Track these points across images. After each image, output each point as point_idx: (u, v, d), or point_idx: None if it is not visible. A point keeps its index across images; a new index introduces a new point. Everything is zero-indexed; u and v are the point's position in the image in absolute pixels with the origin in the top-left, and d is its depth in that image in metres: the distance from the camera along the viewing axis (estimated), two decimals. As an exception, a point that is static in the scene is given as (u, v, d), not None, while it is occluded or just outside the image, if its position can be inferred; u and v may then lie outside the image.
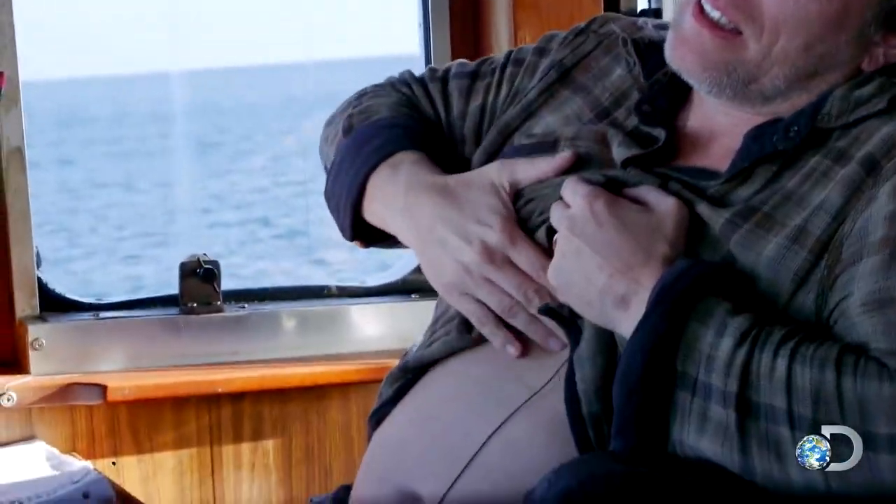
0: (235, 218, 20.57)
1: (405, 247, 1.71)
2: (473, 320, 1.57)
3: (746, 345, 1.32)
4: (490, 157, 1.69)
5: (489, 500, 1.50)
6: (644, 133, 1.59)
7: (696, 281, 1.36)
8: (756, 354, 1.31)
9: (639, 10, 2.68)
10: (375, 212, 1.68)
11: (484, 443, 1.51)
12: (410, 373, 1.64)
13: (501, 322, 1.56)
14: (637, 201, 1.48)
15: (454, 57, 2.65)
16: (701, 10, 1.49)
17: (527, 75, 1.72)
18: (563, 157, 1.59)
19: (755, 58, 1.49)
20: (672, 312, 1.35)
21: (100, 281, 16.76)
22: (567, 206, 1.49)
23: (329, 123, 1.85)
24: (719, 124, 1.56)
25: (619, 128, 1.61)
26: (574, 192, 1.49)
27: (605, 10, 2.62)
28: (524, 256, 1.56)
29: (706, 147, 1.57)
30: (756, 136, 1.49)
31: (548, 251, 1.54)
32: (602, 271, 1.43)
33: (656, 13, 2.65)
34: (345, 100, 1.84)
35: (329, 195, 1.76)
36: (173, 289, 2.56)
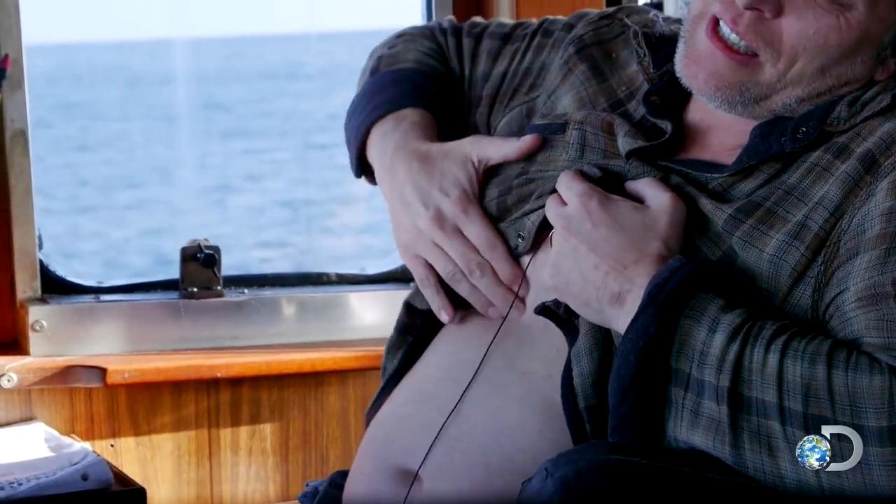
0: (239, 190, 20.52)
1: None
2: (417, 281, 1.65)
3: (738, 340, 1.33)
4: (515, 132, 1.72)
5: (481, 480, 1.52)
6: (650, 124, 1.60)
7: (688, 279, 1.38)
8: (748, 349, 1.32)
9: (641, 1, 2.68)
10: (372, 158, 1.75)
11: (455, 412, 1.55)
12: (411, 333, 1.71)
13: (443, 288, 1.64)
14: (634, 197, 1.50)
15: (455, 7, 2.69)
16: (716, 29, 1.49)
17: (554, 49, 1.75)
18: (525, 141, 1.64)
19: (770, 80, 1.49)
20: (663, 311, 1.36)
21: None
22: (562, 201, 1.50)
23: (371, 55, 1.89)
24: (721, 119, 1.56)
25: (627, 118, 1.62)
26: (569, 188, 1.50)
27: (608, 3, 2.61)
28: (473, 230, 1.62)
29: (708, 140, 1.57)
30: (764, 134, 1.50)
31: (505, 232, 1.61)
32: (598, 270, 1.44)
33: (658, 6, 2.65)
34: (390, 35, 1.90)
35: (346, 128, 1.83)
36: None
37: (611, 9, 1.75)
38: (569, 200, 1.50)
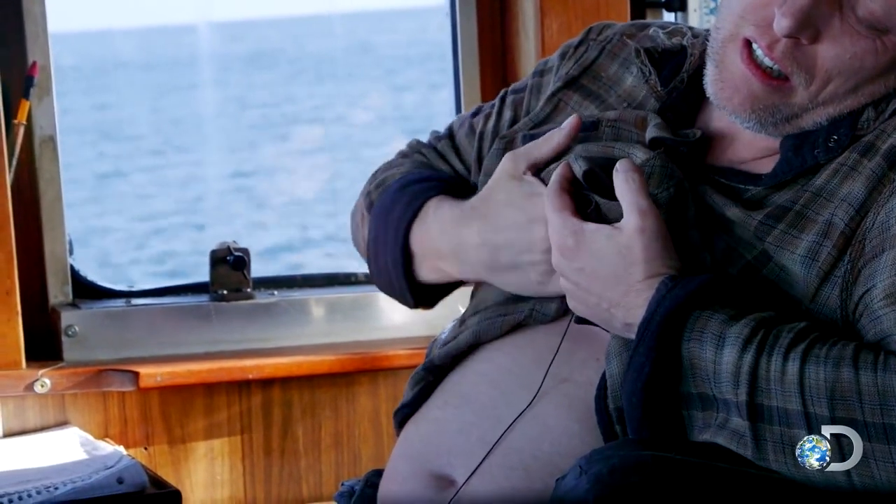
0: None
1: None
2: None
3: (752, 350, 1.32)
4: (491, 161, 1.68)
5: (520, 483, 1.52)
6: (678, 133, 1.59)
7: (678, 305, 1.36)
8: (763, 359, 1.32)
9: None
10: (431, 268, 1.67)
11: (511, 426, 1.53)
12: (433, 374, 1.66)
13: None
14: (608, 216, 1.47)
15: (479, 6, 2.67)
16: (750, 52, 1.48)
17: (533, 96, 1.71)
18: (569, 123, 1.57)
19: (802, 102, 1.48)
20: (657, 347, 1.36)
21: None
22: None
23: (353, 214, 1.85)
24: (736, 133, 1.55)
25: (657, 114, 1.60)
26: (550, 224, 1.48)
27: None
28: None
29: (734, 147, 1.56)
30: (796, 146, 1.49)
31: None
32: (600, 306, 1.44)
33: (682, 1, 2.64)
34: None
35: (377, 274, 1.75)
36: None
37: (577, 37, 1.72)
38: (551, 239, 1.48)
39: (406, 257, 1.67)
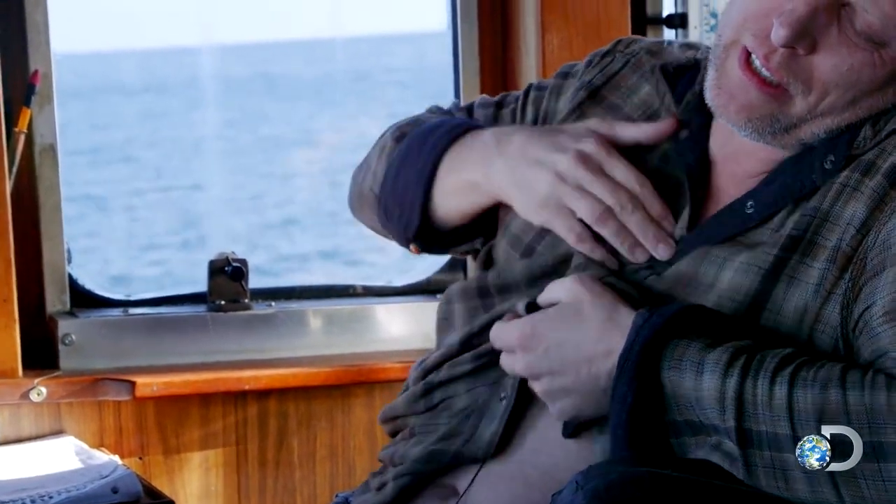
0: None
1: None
2: (572, 237, 1.56)
3: (735, 375, 1.32)
4: None
5: (520, 493, 1.52)
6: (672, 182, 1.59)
7: (655, 334, 1.37)
8: (749, 383, 1.32)
9: (665, 14, 2.68)
10: (451, 185, 1.67)
11: (506, 433, 1.55)
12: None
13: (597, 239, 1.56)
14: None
15: (481, 33, 2.68)
16: (749, 60, 1.47)
17: (553, 97, 1.72)
18: (667, 122, 1.60)
19: (800, 112, 1.47)
20: (637, 377, 1.36)
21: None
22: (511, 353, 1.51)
23: (357, 170, 1.85)
24: (745, 144, 1.54)
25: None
26: (500, 339, 1.52)
27: (632, 12, 2.62)
28: (620, 167, 1.56)
29: (732, 169, 1.56)
30: (793, 172, 1.49)
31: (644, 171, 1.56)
32: (580, 374, 1.45)
33: (682, 18, 2.65)
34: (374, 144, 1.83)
35: (389, 194, 1.74)
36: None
37: (606, 46, 1.73)
38: (510, 346, 1.50)
39: (431, 177, 1.67)
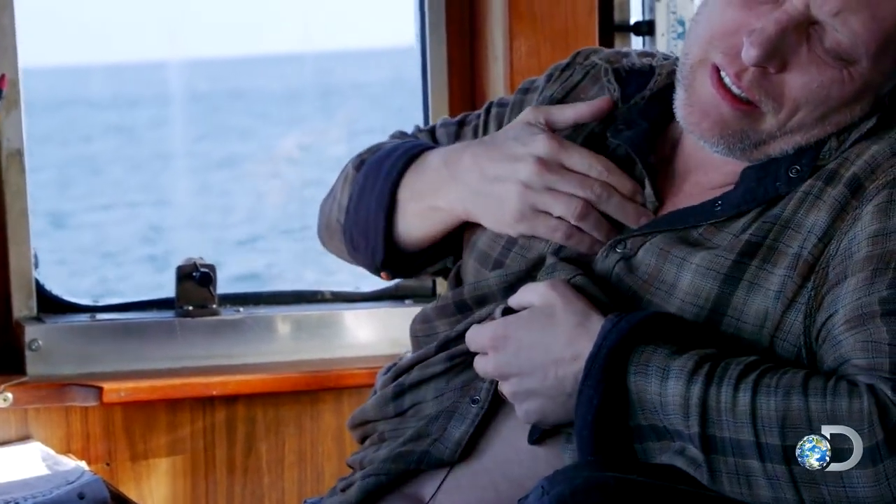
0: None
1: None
2: (559, 236, 1.57)
3: (699, 382, 1.34)
4: None
5: (488, 502, 1.53)
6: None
7: (622, 339, 1.38)
8: (713, 390, 1.33)
9: (632, 21, 2.69)
10: (412, 211, 1.68)
11: (482, 449, 1.55)
12: None
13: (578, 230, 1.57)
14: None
15: (449, 46, 2.69)
16: (719, 77, 1.49)
17: (514, 113, 1.72)
18: (602, 99, 1.62)
19: (770, 129, 1.49)
20: (603, 379, 1.38)
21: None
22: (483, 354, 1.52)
23: (324, 201, 1.86)
24: (709, 156, 1.55)
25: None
26: (471, 342, 1.52)
27: (600, 20, 2.63)
28: (579, 159, 1.57)
29: (696, 178, 1.57)
30: (758, 177, 1.50)
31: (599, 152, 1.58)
32: (547, 376, 1.45)
33: (650, 26, 2.67)
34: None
35: (353, 224, 1.74)
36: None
37: (565, 60, 1.74)
38: (484, 349, 1.51)
39: (391, 204, 1.68)
